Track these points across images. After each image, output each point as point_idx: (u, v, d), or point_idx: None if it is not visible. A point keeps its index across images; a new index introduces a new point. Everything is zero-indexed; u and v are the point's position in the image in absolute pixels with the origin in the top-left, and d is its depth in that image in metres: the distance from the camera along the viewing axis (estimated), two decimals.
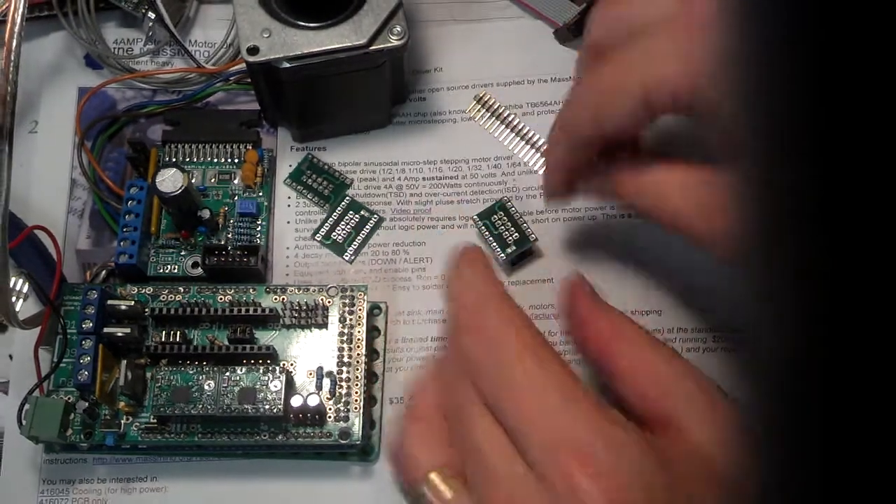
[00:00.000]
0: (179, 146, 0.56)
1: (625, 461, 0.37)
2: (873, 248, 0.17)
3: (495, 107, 0.58)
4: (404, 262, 0.55)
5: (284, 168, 0.57)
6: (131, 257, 0.51)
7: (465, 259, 0.44)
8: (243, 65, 0.54)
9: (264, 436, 0.49)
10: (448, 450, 0.41)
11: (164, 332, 0.50)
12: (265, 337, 0.51)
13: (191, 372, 0.49)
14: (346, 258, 0.55)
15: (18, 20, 0.41)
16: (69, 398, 0.49)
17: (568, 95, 0.46)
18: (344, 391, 0.50)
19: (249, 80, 0.56)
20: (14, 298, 0.53)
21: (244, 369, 0.49)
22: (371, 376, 0.52)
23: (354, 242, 0.55)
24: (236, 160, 0.56)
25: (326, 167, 0.57)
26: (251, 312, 0.50)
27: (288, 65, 0.50)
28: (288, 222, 0.56)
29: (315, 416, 0.49)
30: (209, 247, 0.52)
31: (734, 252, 0.20)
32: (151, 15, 0.58)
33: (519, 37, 0.60)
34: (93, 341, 0.48)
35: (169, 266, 0.53)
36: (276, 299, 0.51)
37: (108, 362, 0.49)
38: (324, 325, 0.51)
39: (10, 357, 0.52)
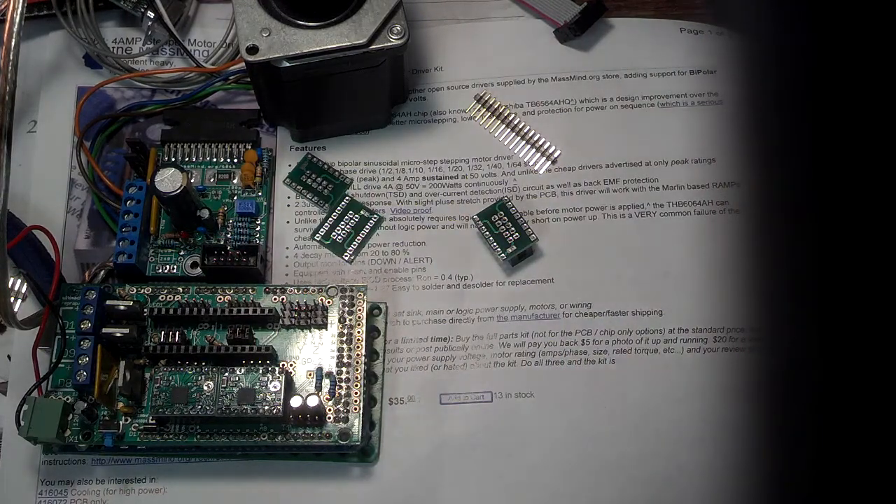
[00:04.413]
0: (178, 146, 0.56)
1: None
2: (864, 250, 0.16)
3: (495, 106, 0.58)
4: (404, 262, 0.55)
5: (284, 168, 0.57)
6: (130, 257, 0.51)
7: None
8: (243, 64, 0.54)
9: (263, 437, 0.48)
10: None
11: (163, 333, 0.50)
12: (264, 337, 0.50)
13: (190, 372, 0.49)
14: (346, 258, 0.55)
15: (17, 19, 0.41)
16: (68, 399, 0.49)
17: None
18: (343, 392, 0.49)
19: (249, 80, 0.56)
20: (13, 298, 0.52)
21: (243, 370, 0.48)
22: (371, 377, 0.52)
23: (354, 242, 0.55)
24: (235, 160, 0.55)
25: (326, 167, 0.57)
26: (250, 313, 0.50)
27: (287, 64, 0.50)
28: (287, 222, 0.56)
29: (314, 417, 0.49)
30: (208, 247, 0.52)
31: None
32: (151, 14, 0.58)
33: (519, 36, 0.60)
34: (91, 342, 0.48)
35: (168, 266, 0.53)
36: (275, 299, 0.51)
37: (107, 363, 0.49)
38: (323, 326, 0.51)
39: (9, 357, 0.52)
